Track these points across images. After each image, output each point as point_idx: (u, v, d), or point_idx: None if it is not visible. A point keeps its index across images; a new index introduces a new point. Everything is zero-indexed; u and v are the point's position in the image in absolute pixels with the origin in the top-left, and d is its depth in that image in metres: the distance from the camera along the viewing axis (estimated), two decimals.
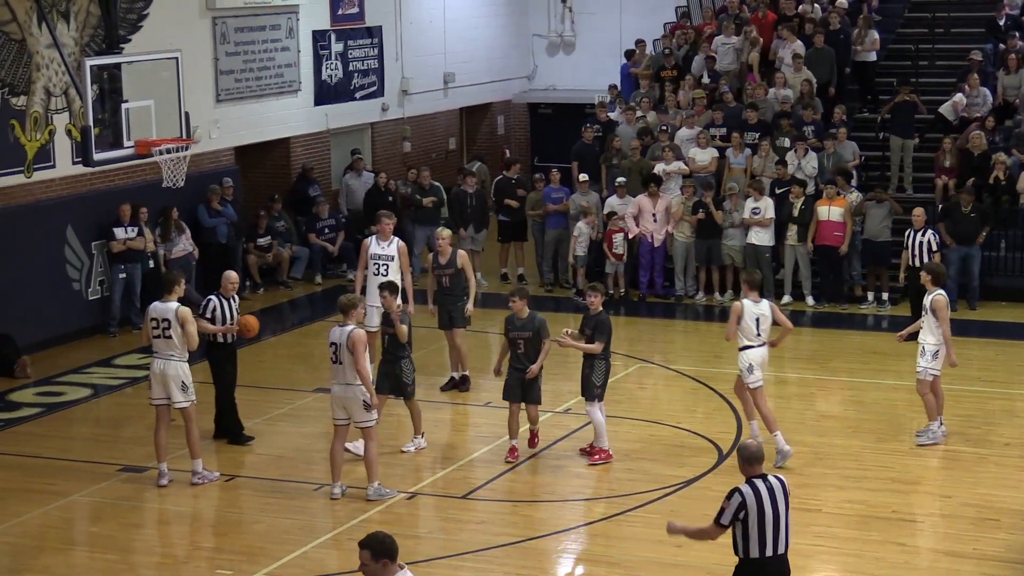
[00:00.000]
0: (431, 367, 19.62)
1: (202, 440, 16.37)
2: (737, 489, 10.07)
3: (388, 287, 16.07)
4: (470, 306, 18.53)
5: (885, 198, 22.77)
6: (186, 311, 15.25)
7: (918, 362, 16.30)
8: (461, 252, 18.68)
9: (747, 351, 15.81)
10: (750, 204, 23.06)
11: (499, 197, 25.58)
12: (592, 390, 15.80)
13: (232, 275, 16.73)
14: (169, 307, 15.26)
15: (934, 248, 20.95)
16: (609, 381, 16.08)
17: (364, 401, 14.64)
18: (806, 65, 25.70)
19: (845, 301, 23.11)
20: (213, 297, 16.46)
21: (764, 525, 10.00)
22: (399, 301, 16.27)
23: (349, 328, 14.63)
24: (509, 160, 27.38)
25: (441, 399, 18.57)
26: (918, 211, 21.29)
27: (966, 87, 24.80)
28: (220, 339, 16.47)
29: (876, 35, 26.39)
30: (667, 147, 24.47)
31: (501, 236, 25.68)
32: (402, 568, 8.73)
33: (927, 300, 16.24)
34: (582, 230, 23.79)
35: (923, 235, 20.99)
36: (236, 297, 16.66)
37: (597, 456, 16.01)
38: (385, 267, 18.13)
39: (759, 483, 10.09)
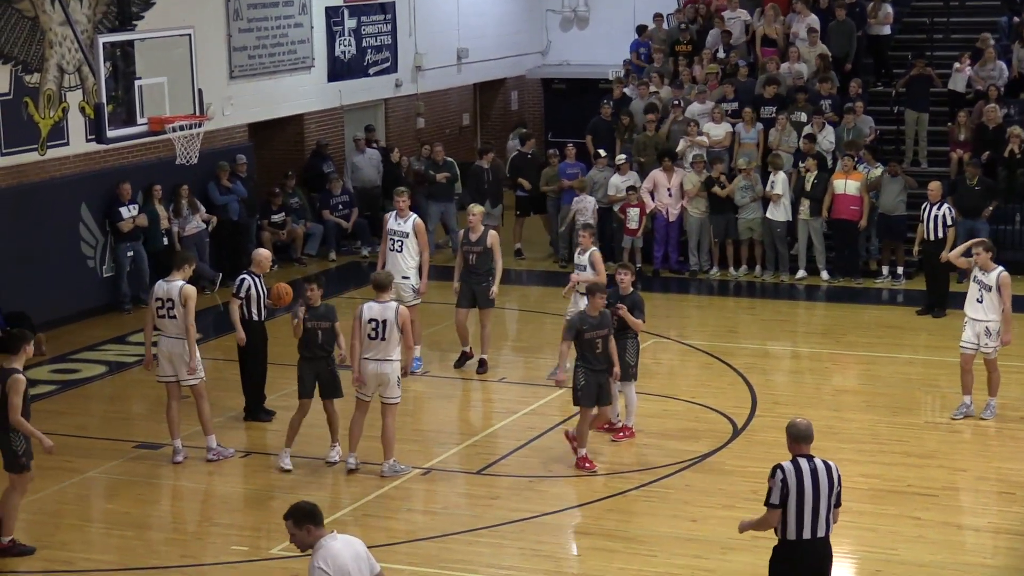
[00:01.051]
0: (444, 344, 19.63)
1: (229, 418, 16.45)
2: (779, 465, 9.96)
3: (316, 280, 15.29)
4: (495, 288, 18.45)
5: (900, 172, 22.69)
6: (190, 290, 15.19)
7: (985, 342, 16.20)
8: (492, 232, 18.45)
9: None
10: (769, 178, 23.01)
11: (514, 174, 25.52)
12: (628, 369, 15.72)
13: (266, 253, 16.70)
14: (173, 287, 15.19)
15: (949, 222, 20.85)
16: None
17: (399, 377, 14.70)
18: (825, 38, 25.59)
19: (860, 275, 23.07)
20: (246, 276, 16.38)
21: (803, 506, 9.85)
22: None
23: (393, 304, 14.65)
24: (524, 135, 27.35)
25: (455, 375, 18.58)
26: (933, 185, 21.18)
27: (964, 57, 24.71)
28: (255, 316, 16.37)
29: (890, 9, 26.27)
30: (692, 122, 24.35)
31: (519, 210, 25.63)
32: (331, 533, 8.88)
33: (991, 277, 16.09)
34: (584, 201, 23.70)
35: (938, 209, 20.90)
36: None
37: (623, 433, 16.00)
38: (400, 243, 18.07)
39: (803, 462, 9.95)
